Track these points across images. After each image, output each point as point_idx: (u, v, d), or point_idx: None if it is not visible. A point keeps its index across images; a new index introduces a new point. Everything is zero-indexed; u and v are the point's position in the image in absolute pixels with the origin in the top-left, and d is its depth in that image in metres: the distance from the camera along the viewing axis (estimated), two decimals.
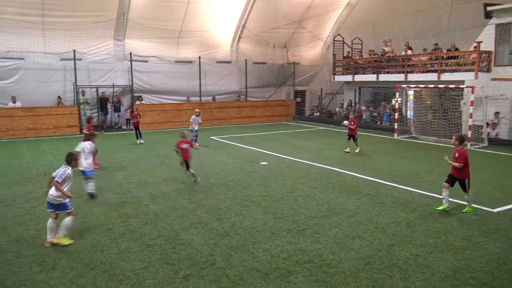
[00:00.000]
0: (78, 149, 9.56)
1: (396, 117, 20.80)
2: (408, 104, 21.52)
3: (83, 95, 22.49)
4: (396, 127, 20.72)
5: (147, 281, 5.79)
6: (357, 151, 15.86)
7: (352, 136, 15.97)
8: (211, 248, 6.89)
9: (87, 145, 9.89)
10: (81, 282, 5.74)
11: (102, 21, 21.93)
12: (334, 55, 26.81)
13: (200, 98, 26.15)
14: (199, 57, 25.47)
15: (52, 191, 7.02)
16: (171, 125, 24.37)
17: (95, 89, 22.85)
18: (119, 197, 9.89)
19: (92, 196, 9.70)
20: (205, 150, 16.45)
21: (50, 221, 7.06)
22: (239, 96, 28.05)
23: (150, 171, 12.66)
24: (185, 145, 11.31)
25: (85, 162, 9.56)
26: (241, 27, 26.20)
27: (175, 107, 24.96)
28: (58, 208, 7.07)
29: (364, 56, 25.20)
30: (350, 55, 26.60)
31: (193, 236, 7.39)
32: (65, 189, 7.05)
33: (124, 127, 23.78)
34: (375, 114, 24.75)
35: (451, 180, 8.82)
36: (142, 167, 13.27)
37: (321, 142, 18.77)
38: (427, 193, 10.16)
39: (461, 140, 8.84)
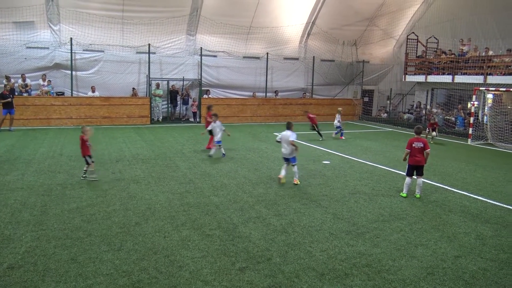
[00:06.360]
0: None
1: (471, 121, 19.54)
2: (486, 108, 20.12)
3: (158, 87, 23.53)
4: (470, 132, 19.47)
5: (205, 269, 5.95)
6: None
7: None
8: (268, 243, 6.93)
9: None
10: (143, 265, 6.04)
11: (176, 16, 22.82)
12: (406, 54, 25.75)
13: (266, 94, 26.35)
14: (267, 53, 25.64)
15: (287, 149, 10.44)
16: (236, 119, 24.82)
17: (166, 82, 23.84)
18: (183, 186, 10.26)
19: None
20: (267, 146, 16.57)
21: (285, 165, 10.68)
22: (304, 93, 27.88)
23: (213, 163, 12.98)
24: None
25: None
26: (310, 23, 25.98)
27: (240, 102, 25.36)
28: (289, 160, 10.62)
29: (441, 56, 23.89)
30: (424, 54, 25.38)
31: (251, 230, 7.49)
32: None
33: (191, 119, 24.58)
34: (448, 117, 23.42)
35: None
36: (206, 159, 13.64)
37: (388, 144, 18.14)
38: (502, 205, 9.47)
39: (417, 131, 9.99)
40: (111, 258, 6.23)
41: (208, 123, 14.81)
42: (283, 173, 10.73)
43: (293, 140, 10.36)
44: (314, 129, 18.70)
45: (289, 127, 10.67)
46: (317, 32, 26.43)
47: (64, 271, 5.78)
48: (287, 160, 10.70)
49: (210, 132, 14.56)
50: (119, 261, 6.12)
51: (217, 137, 13.94)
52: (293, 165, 10.68)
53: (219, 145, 14.01)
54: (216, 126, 13.97)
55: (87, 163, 10.63)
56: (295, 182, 10.68)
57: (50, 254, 6.29)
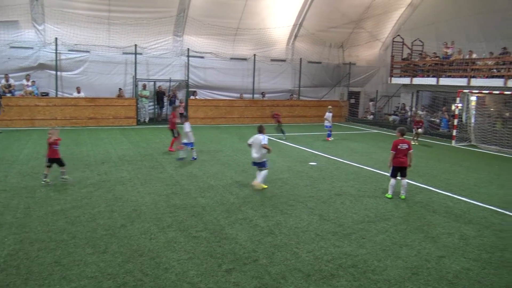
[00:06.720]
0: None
1: (455, 123, 19.83)
2: (470, 110, 20.45)
3: (144, 88, 23.36)
4: (454, 134, 19.76)
5: (191, 271, 5.93)
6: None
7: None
8: (255, 244, 6.94)
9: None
10: (128, 267, 5.99)
11: (163, 17, 22.70)
12: (392, 56, 26.02)
13: (253, 96, 26.37)
14: (254, 55, 25.67)
15: (258, 153, 10.11)
16: (223, 120, 24.81)
17: (152, 83, 23.69)
18: (169, 188, 10.21)
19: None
20: None
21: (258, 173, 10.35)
22: (291, 95, 27.97)
23: (200, 165, 12.94)
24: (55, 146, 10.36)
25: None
26: (298, 25, 26.08)
27: (228, 103, 25.36)
28: (260, 164, 10.23)
29: (426, 59, 24.22)
30: (409, 57, 25.69)
31: (237, 232, 7.48)
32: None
33: (178, 120, 24.37)
34: (433, 119, 23.75)
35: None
36: (193, 160, 13.58)
37: (374, 146, 18.31)
38: (485, 205, 9.63)
39: (401, 132, 10.02)
40: (95, 260, 6.16)
41: (172, 124, 14.80)
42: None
43: (265, 144, 10.05)
44: (280, 128, 19.37)
45: (260, 130, 10.31)
46: (304, 34, 26.54)
47: (47, 274, 5.71)
48: (256, 164, 10.33)
49: (173, 132, 14.70)
50: (104, 264, 6.06)
51: (188, 139, 13.43)
52: (264, 169, 10.28)
53: (188, 147, 13.50)
54: (186, 127, 13.43)
55: (60, 165, 10.40)
56: (258, 186, 10.23)
57: (33, 257, 6.20)
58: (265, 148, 10.08)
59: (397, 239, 7.40)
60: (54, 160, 10.32)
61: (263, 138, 10.13)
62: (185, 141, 13.55)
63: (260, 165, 10.30)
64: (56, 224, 7.56)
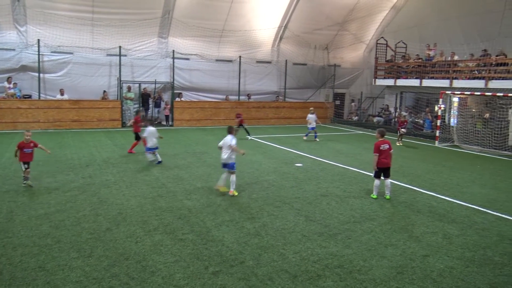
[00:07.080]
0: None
1: (438, 124, 20.14)
2: (452, 111, 20.79)
3: (129, 90, 23.17)
4: (437, 134, 20.06)
5: (178, 274, 5.91)
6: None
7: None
8: (241, 246, 6.94)
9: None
10: (114, 271, 5.94)
11: (148, 18, 22.58)
12: (376, 58, 26.32)
13: (239, 97, 26.38)
14: (240, 57, 25.69)
15: (226, 154, 9.86)
16: (209, 122, 24.75)
17: (137, 85, 23.52)
18: (155, 190, 10.14)
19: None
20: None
21: (224, 174, 10.09)
22: (277, 96, 28.06)
23: (186, 167, 12.89)
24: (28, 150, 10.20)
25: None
26: (283, 27, 26.20)
27: (213, 105, 25.31)
28: (228, 166, 9.94)
29: (409, 60, 24.56)
30: (393, 59, 26.02)
31: (224, 234, 7.48)
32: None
33: (163, 122, 24.32)
34: (416, 120, 24.08)
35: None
36: (179, 162, 13.54)
37: (359, 147, 18.47)
38: (467, 204, 9.79)
39: (382, 133, 10.17)
40: (81, 265, 6.09)
41: (136, 127, 14.77)
42: (220, 183, 10.17)
43: (233, 145, 9.79)
44: (242, 127, 19.53)
45: (230, 131, 10.11)
46: (289, 36, 26.67)
47: (31, 279, 5.62)
48: (225, 166, 10.05)
49: (138, 136, 14.68)
50: (89, 268, 6.00)
51: (151, 143, 13.13)
52: (232, 172, 9.96)
53: (153, 152, 13.28)
54: (149, 131, 13.10)
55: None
56: (231, 193, 9.89)
57: (17, 262, 6.10)
58: (233, 149, 9.86)
59: (382, 239, 7.49)
60: (28, 162, 10.17)
61: (231, 139, 9.91)
62: (148, 146, 13.26)
63: (228, 166, 9.97)
64: (40, 228, 7.45)
